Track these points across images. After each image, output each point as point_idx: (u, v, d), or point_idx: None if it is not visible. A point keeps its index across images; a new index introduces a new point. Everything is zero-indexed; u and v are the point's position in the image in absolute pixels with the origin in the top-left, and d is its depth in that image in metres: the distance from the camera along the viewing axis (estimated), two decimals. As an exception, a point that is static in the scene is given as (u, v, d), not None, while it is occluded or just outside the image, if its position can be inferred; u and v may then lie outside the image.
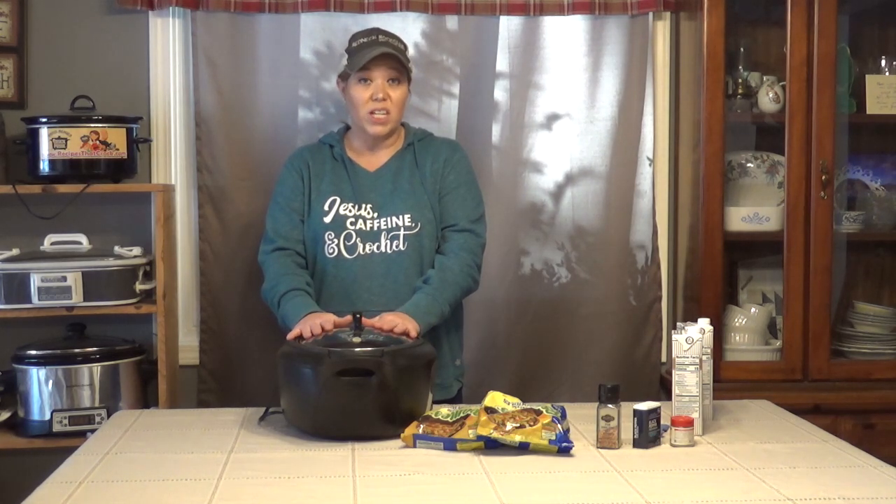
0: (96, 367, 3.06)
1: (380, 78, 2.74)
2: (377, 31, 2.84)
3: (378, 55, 2.71)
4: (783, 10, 3.19)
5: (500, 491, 1.90)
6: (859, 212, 3.42)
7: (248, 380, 3.30)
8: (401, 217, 2.74)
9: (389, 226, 2.74)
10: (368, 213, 2.75)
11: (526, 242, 3.41)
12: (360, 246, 2.74)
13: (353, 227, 2.74)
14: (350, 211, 2.75)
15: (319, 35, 3.32)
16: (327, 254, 2.74)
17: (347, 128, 2.91)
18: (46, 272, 3.00)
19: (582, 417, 2.35)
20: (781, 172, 3.31)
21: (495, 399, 2.20)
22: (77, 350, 3.07)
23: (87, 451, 2.19)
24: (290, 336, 2.48)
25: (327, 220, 2.75)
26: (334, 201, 2.77)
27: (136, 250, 3.15)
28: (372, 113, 2.74)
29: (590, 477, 2.00)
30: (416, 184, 2.79)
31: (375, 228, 2.74)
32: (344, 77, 2.82)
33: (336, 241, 2.74)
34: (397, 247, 2.73)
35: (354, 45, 2.79)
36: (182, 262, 3.35)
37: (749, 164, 3.43)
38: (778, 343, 3.31)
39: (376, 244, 2.74)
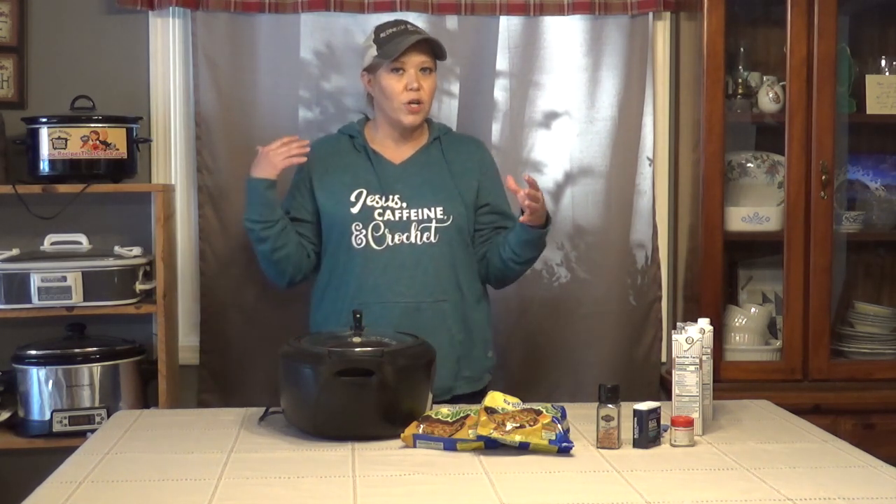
0: (96, 367, 3.06)
1: (412, 67, 2.76)
2: (405, 21, 2.88)
3: (412, 43, 2.73)
4: (783, 10, 3.19)
5: (500, 491, 1.90)
6: (859, 212, 3.42)
7: (248, 380, 3.30)
8: (432, 209, 2.76)
9: (420, 217, 2.75)
10: (396, 204, 2.76)
11: (526, 242, 3.41)
12: (389, 237, 2.74)
13: (380, 218, 2.75)
14: (377, 202, 2.76)
15: (319, 35, 3.32)
16: (355, 245, 2.74)
17: (366, 119, 2.91)
18: (46, 272, 3.00)
19: (582, 417, 2.35)
20: (781, 172, 3.31)
21: (495, 399, 2.20)
22: (77, 350, 3.07)
23: (87, 451, 2.19)
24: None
25: (354, 210, 2.75)
26: (360, 193, 2.77)
27: (136, 250, 3.15)
28: (408, 103, 2.75)
29: (590, 477, 2.00)
30: (446, 178, 2.82)
31: (405, 219, 2.75)
32: (371, 69, 2.82)
33: (364, 231, 2.74)
34: (428, 238, 2.75)
35: (383, 35, 2.80)
36: (182, 262, 3.35)
37: (749, 164, 3.43)
38: (778, 343, 3.31)
39: (406, 234, 2.74)
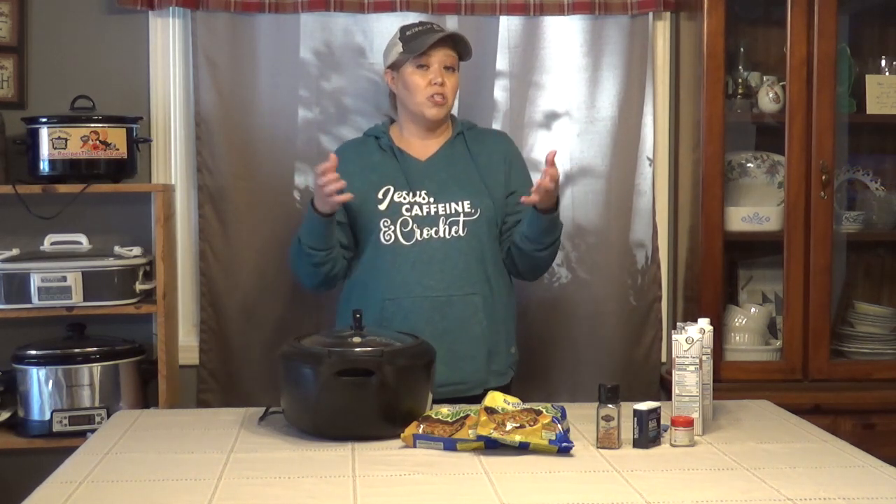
0: (96, 367, 3.06)
1: (436, 63, 2.79)
2: (430, 21, 2.93)
3: (437, 40, 2.77)
4: (783, 10, 3.19)
5: (500, 491, 1.90)
6: (859, 212, 3.42)
7: (248, 380, 3.30)
8: (460, 203, 2.77)
9: (448, 211, 2.76)
10: (424, 199, 2.77)
11: (526, 242, 3.41)
12: (418, 232, 2.75)
13: (408, 214, 2.76)
14: (405, 198, 2.77)
15: (319, 35, 3.32)
16: (383, 241, 2.75)
17: (391, 122, 2.93)
18: (46, 272, 3.00)
19: (582, 417, 2.35)
20: (781, 172, 3.31)
21: (495, 399, 2.21)
22: (77, 350, 3.07)
23: (87, 451, 2.19)
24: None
25: (382, 207, 2.76)
26: (388, 190, 2.78)
27: (136, 250, 3.15)
28: (431, 97, 2.78)
29: (590, 477, 2.01)
30: (472, 172, 2.83)
31: (433, 213, 2.76)
32: (395, 67, 2.84)
33: (392, 227, 2.75)
34: (456, 232, 2.76)
35: (409, 34, 2.84)
36: (182, 262, 3.35)
37: (749, 164, 3.43)
38: (778, 343, 3.31)
39: (434, 229, 2.75)
